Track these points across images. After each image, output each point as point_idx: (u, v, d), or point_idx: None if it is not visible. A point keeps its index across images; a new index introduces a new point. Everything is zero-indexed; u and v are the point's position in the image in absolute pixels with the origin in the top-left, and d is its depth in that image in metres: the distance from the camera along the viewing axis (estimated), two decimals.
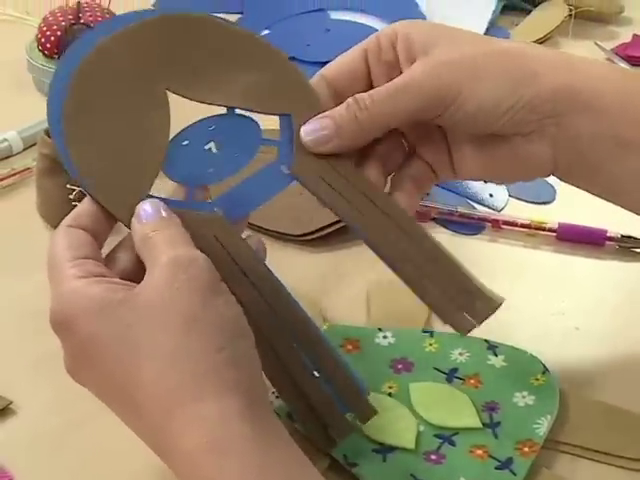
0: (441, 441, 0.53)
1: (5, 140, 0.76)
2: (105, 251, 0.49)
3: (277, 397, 0.52)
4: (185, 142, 0.51)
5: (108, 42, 0.50)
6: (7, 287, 0.64)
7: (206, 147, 0.51)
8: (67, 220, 0.48)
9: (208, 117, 0.51)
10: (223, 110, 0.52)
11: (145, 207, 0.48)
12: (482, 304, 0.51)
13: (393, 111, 0.51)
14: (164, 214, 0.47)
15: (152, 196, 0.49)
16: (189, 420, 0.42)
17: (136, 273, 0.47)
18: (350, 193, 0.51)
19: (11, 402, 0.55)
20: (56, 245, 0.47)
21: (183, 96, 0.51)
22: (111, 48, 0.50)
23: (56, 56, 0.82)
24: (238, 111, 0.52)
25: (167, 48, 0.50)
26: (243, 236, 0.52)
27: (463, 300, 0.50)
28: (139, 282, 0.45)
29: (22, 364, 0.57)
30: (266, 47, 0.53)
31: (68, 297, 0.45)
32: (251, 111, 0.52)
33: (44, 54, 0.82)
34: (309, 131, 0.51)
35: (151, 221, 0.47)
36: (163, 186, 0.51)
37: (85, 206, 0.48)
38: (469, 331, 0.51)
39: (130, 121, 0.49)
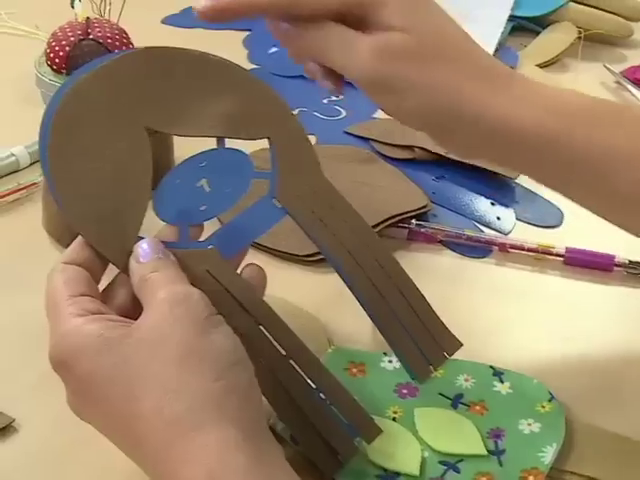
0: (446, 468, 0.53)
1: (12, 155, 0.76)
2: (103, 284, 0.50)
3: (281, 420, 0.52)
4: (177, 181, 0.51)
5: (84, 82, 0.49)
6: (11, 303, 0.64)
7: (198, 184, 0.51)
8: (63, 257, 0.48)
9: (199, 153, 0.51)
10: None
11: (143, 246, 0.48)
12: (444, 348, 0.54)
13: None
14: (161, 254, 0.48)
15: (141, 237, 0.49)
16: (188, 451, 0.42)
17: (133, 308, 0.47)
18: (331, 222, 0.53)
19: (13, 420, 0.55)
20: (53, 283, 0.47)
21: (163, 132, 0.51)
22: (87, 88, 0.49)
23: (64, 71, 0.81)
24: (228, 145, 0.52)
25: (144, 84, 0.50)
26: (245, 263, 0.53)
27: (426, 345, 0.53)
28: (136, 317, 0.46)
29: (25, 381, 0.57)
30: (242, 73, 0.53)
31: (66, 336, 0.45)
32: (233, 138, 0.52)
33: (53, 69, 0.82)
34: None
35: (149, 261, 0.48)
36: (155, 225, 0.51)
37: (80, 243, 0.49)
38: (427, 378, 0.54)
39: (112, 162, 0.49)
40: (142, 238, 0.49)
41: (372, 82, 0.52)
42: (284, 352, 0.50)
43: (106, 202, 0.49)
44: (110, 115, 0.49)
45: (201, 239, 0.52)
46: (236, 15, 0.52)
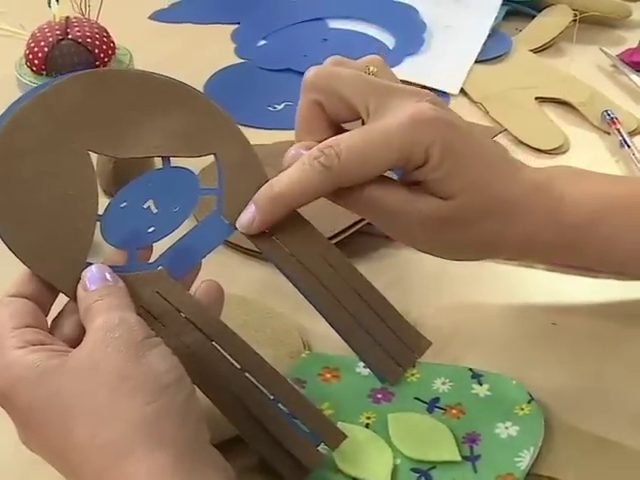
0: (418, 475, 0.51)
1: None
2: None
3: None
4: (123, 204, 0.50)
5: (21, 112, 0.48)
6: None
7: (145, 206, 0.51)
8: (9, 290, 0.48)
9: (144, 175, 0.51)
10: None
11: (91, 272, 0.48)
12: (413, 348, 0.52)
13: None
14: (109, 279, 0.48)
15: (90, 263, 0.49)
16: (120, 479, 0.42)
17: (82, 337, 0.47)
18: (281, 234, 0.52)
19: None
20: None
21: (107, 155, 0.51)
22: (25, 118, 0.48)
23: (44, 72, 0.80)
24: (174, 163, 0.52)
25: (84, 109, 0.50)
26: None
27: (393, 347, 0.52)
28: None
29: None
30: (183, 89, 0.52)
31: (6, 368, 0.46)
32: (179, 157, 0.52)
33: (32, 70, 0.81)
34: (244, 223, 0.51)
35: (96, 288, 0.48)
36: (101, 250, 0.51)
37: (26, 274, 0.49)
38: (398, 381, 0.52)
39: (55, 191, 0.49)
40: (91, 264, 0.49)
41: (424, 246, 0.56)
42: (239, 366, 0.49)
43: (51, 231, 0.48)
44: (50, 143, 0.49)
45: (151, 260, 0.51)
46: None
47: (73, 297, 0.49)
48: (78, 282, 0.48)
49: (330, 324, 0.52)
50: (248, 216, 0.51)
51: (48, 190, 0.48)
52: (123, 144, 0.50)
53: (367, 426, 0.54)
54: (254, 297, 0.63)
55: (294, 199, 0.51)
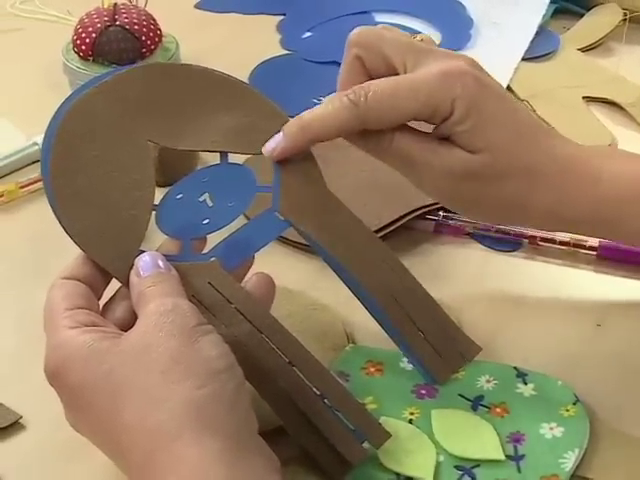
0: (461, 473, 0.51)
1: (35, 144, 0.75)
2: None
3: None
4: (179, 195, 0.51)
5: (86, 98, 0.50)
6: (32, 294, 0.62)
7: (200, 199, 0.51)
8: (63, 272, 0.49)
9: (201, 169, 0.52)
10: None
11: (145, 259, 0.49)
12: (463, 352, 0.53)
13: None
14: (162, 266, 0.48)
15: (143, 251, 0.49)
16: (169, 462, 0.42)
17: (133, 321, 0.47)
18: (336, 233, 0.52)
19: (21, 417, 0.54)
20: (51, 298, 0.48)
21: (165, 146, 0.51)
22: (89, 105, 0.50)
23: (91, 58, 0.81)
24: (231, 160, 0.52)
25: (146, 100, 0.50)
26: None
27: (444, 350, 0.52)
28: None
29: (32, 378, 0.55)
30: (242, 87, 0.53)
31: (58, 348, 0.46)
32: (235, 153, 0.52)
33: (80, 56, 0.81)
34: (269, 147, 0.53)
35: (149, 275, 0.48)
36: (157, 239, 0.51)
37: (80, 258, 0.49)
38: (445, 381, 0.53)
39: (114, 177, 0.49)
40: (144, 252, 0.49)
41: (446, 199, 0.56)
42: (287, 360, 0.49)
43: (107, 217, 0.49)
44: (112, 130, 0.49)
45: (204, 251, 0.52)
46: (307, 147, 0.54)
47: (125, 283, 0.49)
48: (131, 268, 0.49)
49: (378, 320, 0.52)
50: (275, 141, 0.52)
51: (107, 176, 0.49)
52: (182, 137, 0.51)
53: (410, 422, 0.53)
54: (299, 289, 0.62)
55: (320, 130, 0.52)
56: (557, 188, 0.54)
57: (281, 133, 0.52)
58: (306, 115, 0.53)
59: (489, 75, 0.55)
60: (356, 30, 0.55)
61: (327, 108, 0.52)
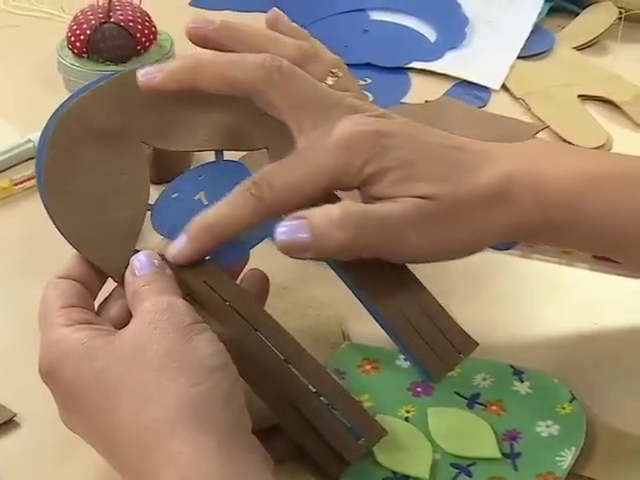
0: (457, 471, 0.51)
1: (30, 141, 0.75)
2: None
3: None
4: (174, 195, 0.51)
5: (81, 103, 0.50)
6: (28, 291, 0.62)
7: (196, 198, 0.51)
8: (58, 272, 0.49)
9: (197, 167, 0.52)
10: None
11: (140, 258, 0.49)
12: (459, 348, 0.51)
13: None
14: (157, 265, 0.48)
15: (138, 251, 0.50)
16: (162, 459, 0.42)
17: (128, 320, 0.47)
18: None
19: (15, 414, 0.54)
20: (46, 296, 0.48)
21: (159, 148, 0.52)
22: (84, 109, 0.50)
23: (85, 55, 0.80)
24: (227, 157, 0.52)
25: (139, 103, 0.51)
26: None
27: (439, 346, 0.51)
28: None
29: (27, 376, 0.55)
30: None
31: (52, 345, 0.46)
32: (230, 150, 0.52)
33: (74, 53, 0.81)
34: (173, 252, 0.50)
35: (144, 273, 0.48)
36: (152, 239, 0.52)
37: (75, 258, 0.50)
38: (441, 378, 0.51)
39: (110, 177, 0.50)
40: (138, 251, 0.49)
41: (417, 256, 0.52)
42: (283, 357, 0.49)
43: (102, 218, 0.49)
44: (108, 134, 0.50)
45: None
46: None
47: (121, 282, 0.49)
48: (126, 268, 0.49)
49: (375, 317, 0.52)
50: (179, 246, 0.49)
51: (102, 178, 0.49)
52: (176, 138, 0.51)
53: (407, 419, 0.53)
54: (294, 287, 0.62)
55: (226, 230, 0.49)
56: (507, 206, 0.51)
57: (184, 236, 0.49)
58: (209, 216, 0.49)
59: (391, 115, 0.52)
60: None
61: (229, 206, 0.49)
